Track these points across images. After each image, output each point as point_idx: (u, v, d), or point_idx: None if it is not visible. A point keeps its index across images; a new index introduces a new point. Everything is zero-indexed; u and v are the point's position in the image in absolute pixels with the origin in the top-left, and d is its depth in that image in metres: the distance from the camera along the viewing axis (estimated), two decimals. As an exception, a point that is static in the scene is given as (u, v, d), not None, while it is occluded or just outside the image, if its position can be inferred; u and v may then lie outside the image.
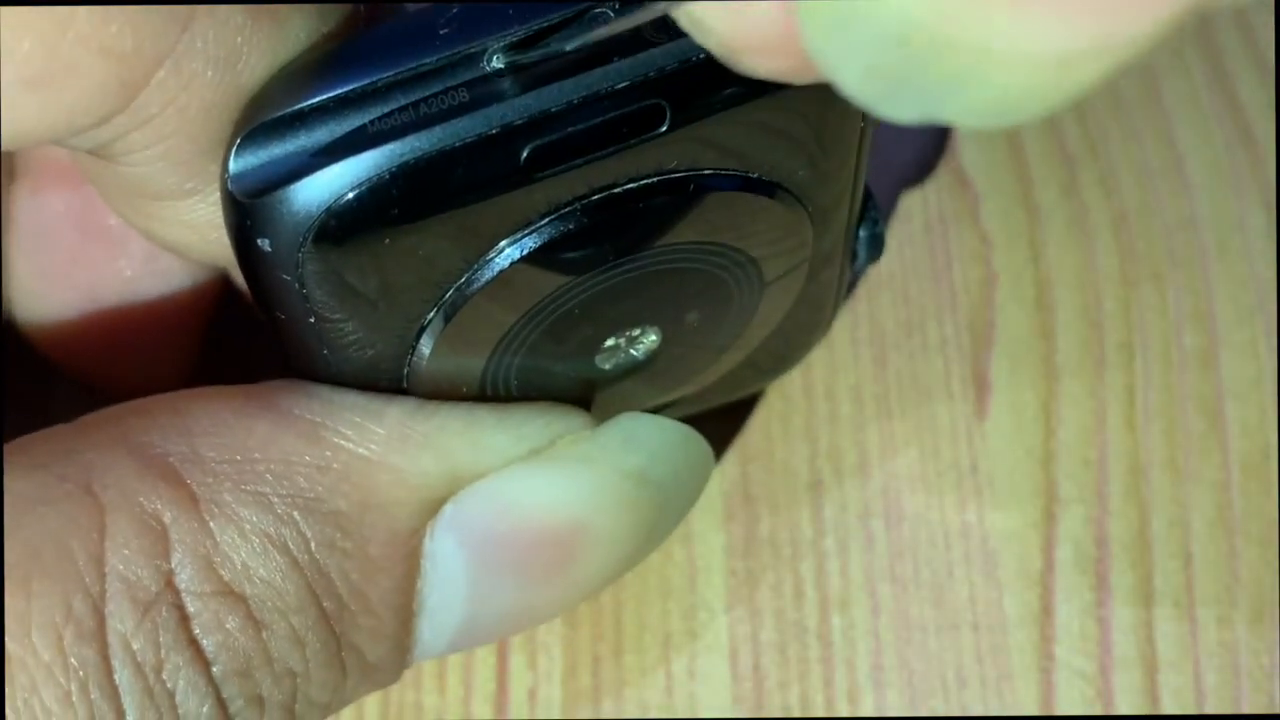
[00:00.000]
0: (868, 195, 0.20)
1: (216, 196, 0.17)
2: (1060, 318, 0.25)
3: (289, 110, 0.16)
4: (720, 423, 0.24)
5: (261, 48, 0.16)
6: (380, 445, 0.18)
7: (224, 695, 0.17)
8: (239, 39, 0.16)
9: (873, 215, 0.21)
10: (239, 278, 0.22)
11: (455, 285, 0.17)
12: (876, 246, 0.21)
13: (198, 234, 0.18)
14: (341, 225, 0.16)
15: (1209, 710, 0.22)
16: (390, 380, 0.18)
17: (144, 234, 0.19)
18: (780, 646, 0.23)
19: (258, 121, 0.16)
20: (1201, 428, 0.24)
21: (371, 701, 0.23)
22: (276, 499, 0.17)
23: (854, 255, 0.21)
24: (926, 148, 0.27)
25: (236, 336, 0.24)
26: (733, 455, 0.24)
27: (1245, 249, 0.26)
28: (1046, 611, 0.23)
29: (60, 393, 0.23)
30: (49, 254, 0.22)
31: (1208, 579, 0.23)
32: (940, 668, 0.23)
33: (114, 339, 0.22)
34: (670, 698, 0.23)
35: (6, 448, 0.17)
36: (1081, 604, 0.23)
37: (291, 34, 0.16)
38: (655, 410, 0.21)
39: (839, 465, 0.24)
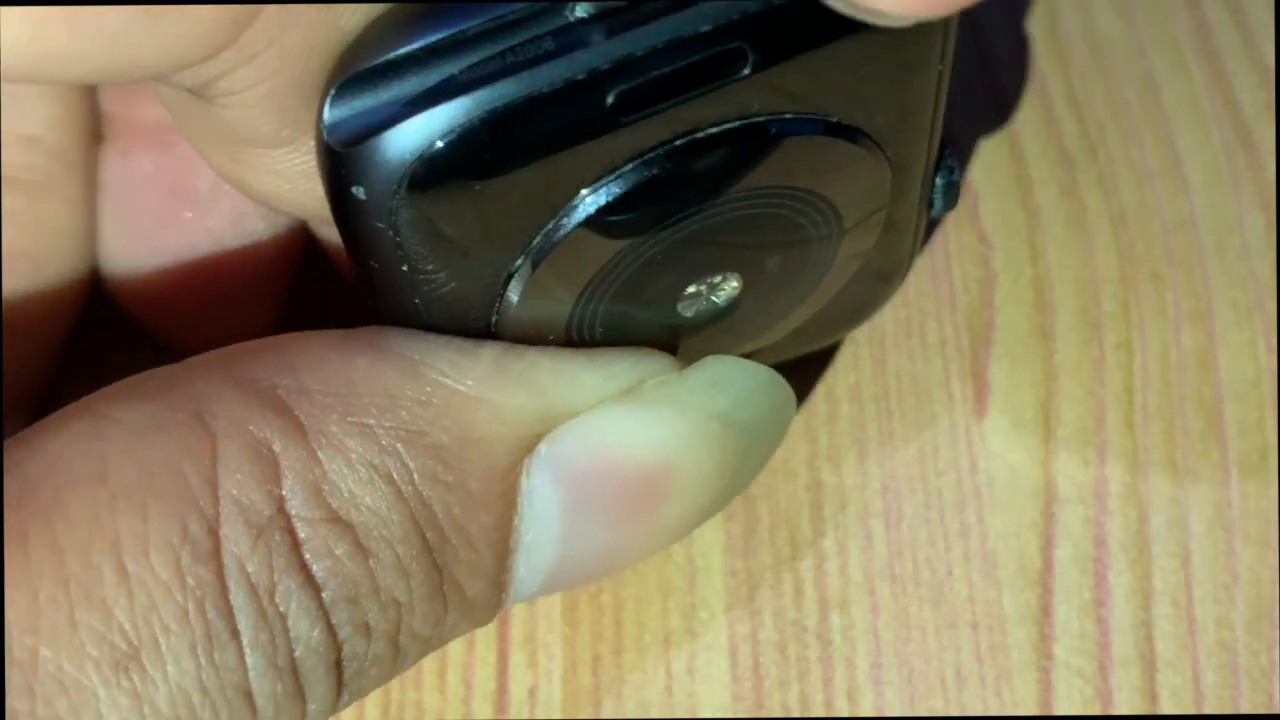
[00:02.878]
0: (944, 142, 0.21)
1: (309, 146, 0.17)
2: (1059, 318, 0.25)
3: (381, 60, 0.16)
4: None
5: None
6: (476, 381, 0.18)
7: (333, 621, 0.17)
8: None
9: (949, 163, 0.21)
10: (323, 232, 0.23)
11: (543, 232, 0.17)
12: (952, 194, 0.21)
13: (289, 184, 0.19)
14: (433, 172, 0.16)
15: (1208, 710, 0.22)
16: (480, 327, 0.18)
17: (234, 184, 0.19)
18: (780, 646, 0.23)
19: (351, 71, 0.16)
20: (1200, 428, 0.24)
21: (372, 701, 0.23)
22: (381, 430, 0.17)
23: (930, 203, 0.21)
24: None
25: (319, 296, 0.24)
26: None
27: (1244, 249, 0.26)
28: (1045, 611, 0.23)
29: (147, 359, 0.24)
30: (137, 216, 0.22)
31: (1206, 578, 0.23)
32: (939, 667, 0.23)
33: (200, 300, 0.23)
34: (670, 697, 0.23)
35: (115, 384, 0.17)
36: (1080, 603, 0.23)
37: None
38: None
39: (839, 465, 0.24)
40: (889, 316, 0.25)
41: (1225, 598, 0.23)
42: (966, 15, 0.29)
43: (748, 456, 0.20)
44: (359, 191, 0.16)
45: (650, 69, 0.16)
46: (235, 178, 0.19)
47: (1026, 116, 0.27)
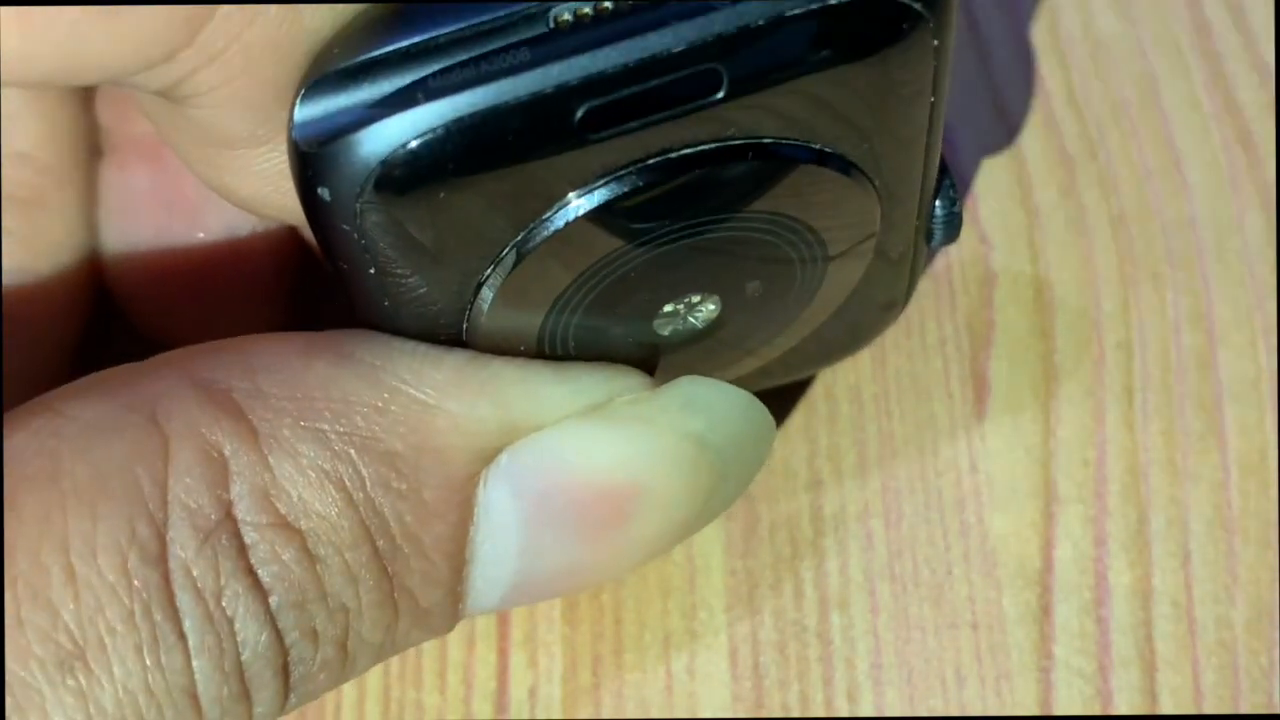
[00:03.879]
0: (944, 172, 0.20)
1: (285, 146, 0.17)
2: (1059, 318, 0.25)
3: (353, 62, 0.16)
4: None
5: None
6: (437, 390, 0.18)
7: (280, 625, 0.17)
8: None
9: (949, 194, 0.20)
10: (310, 236, 0.23)
11: (512, 242, 0.17)
12: (954, 225, 0.21)
13: (270, 185, 0.19)
14: (397, 176, 0.16)
15: (1207, 710, 0.22)
16: (450, 334, 0.18)
17: (218, 190, 0.20)
18: (780, 645, 0.23)
19: (323, 72, 0.16)
20: (1200, 427, 0.24)
21: (372, 700, 0.23)
22: (334, 436, 0.17)
23: (929, 234, 0.21)
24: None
25: (315, 299, 0.24)
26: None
27: (1243, 249, 0.26)
28: (1045, 611, 0.23)
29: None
30: (135, 228, 0.23)
31: (1206, 578, 0.23)
32: (939, 667, 0.23)
33: (201, 307, 0.23)
34: (670, 697, 0.23)
35: (75, 382, 0.18)
36: (1080, 603, 0.23)
37: None
38: None
39: (839, 465, 0.24)
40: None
41: (1225, 598, 0.23)
42: (966, 16, 0.29)
43: (723, 480, 0.20)
44: (324, 193, 0.16)
45: (620, 87, 0.16)
46: (218, 183, 0.19)
47: (1026, 116, 0.27)
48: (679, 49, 0.16)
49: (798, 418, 0.24)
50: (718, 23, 0.16)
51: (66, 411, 0.17)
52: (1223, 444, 0.24)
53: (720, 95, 0.16)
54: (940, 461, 0.24)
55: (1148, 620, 0.23)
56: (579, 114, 0.16)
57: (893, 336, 0.25)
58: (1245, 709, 0.22)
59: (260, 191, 0.19)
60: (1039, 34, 0.28)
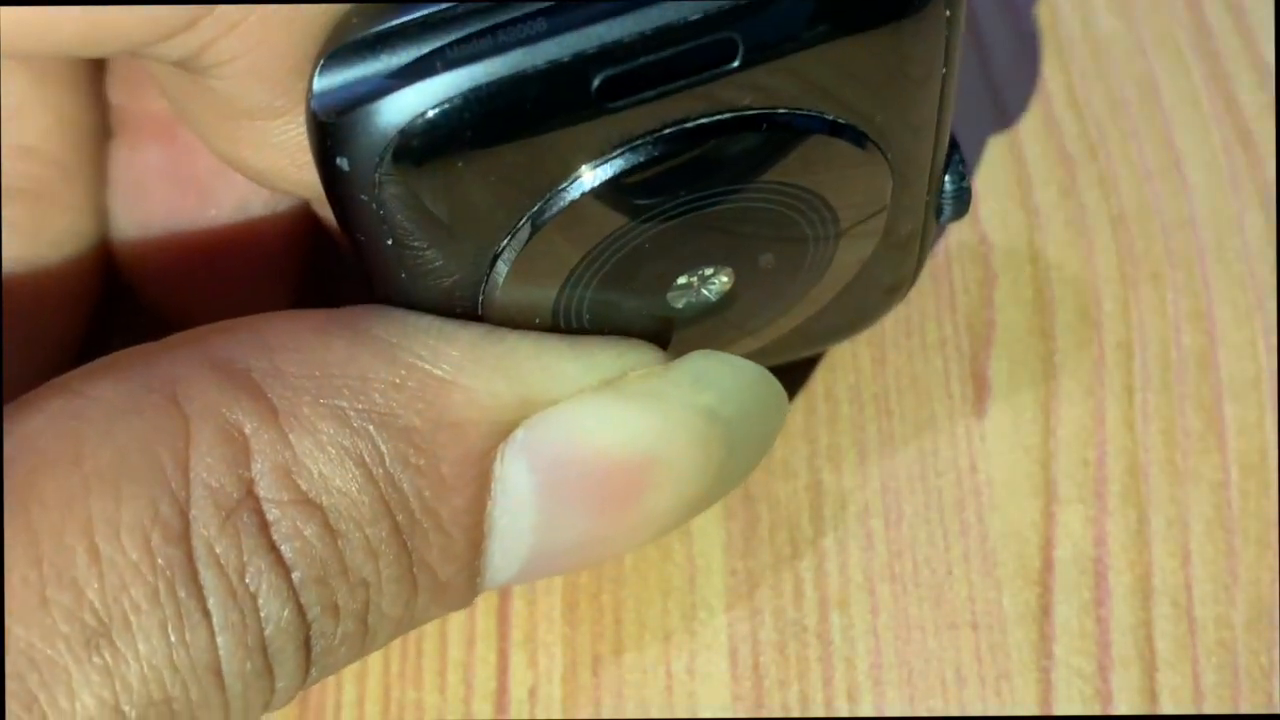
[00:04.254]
0: (954, 148, 0.20)
1: (304, 118, 0.17)
2: (1059, 318, 0.25)
3: (370, 32, 0.16)
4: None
5: None
6: (453, 365, 0.18)
7: (302, 601, 0.17)
8: None
9: (958, 169, 0.21)
10: (324, 212, 0.23)
11: (529, 213, 0.17)
12: (963, 201, 0.21)
13: (288, 158, 0.19)
14: (415, 146, 0.16)
15: (1207, 710, 0.22)
16: (466, 307, 0.18)
17: (234, 164, 0.20)
18: (779, 645, 0.23)
19: (341, 42, 0.16)
20: (1200, 427, 0.24)
21: (372, 700, 0.23)
22: (353, 413, 0.17)
23: (939, 210, 0.21)
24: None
25: (329, 277, 0.24)
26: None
27: (1243, 249, 0.26)
28: (1045, 610, 0.23)
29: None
30: (147, 206, 0.23)
31: (1206, 578, 0.23)
32: (939, 667, 0.23)
33: (214, 286, 0.23)
34: (670, 696, 0.23)
35: (95, 362, 0.18)
36: (1080, 603, 0.23)
37: None
38: None
39: (839, 465, 0.24)
40: (889, 316, 0.25)
41: (1225, 598, 0.23)
42: (968, 16, 0.29)
43: (735, 453, 0.20)
44: (343, 163, 0.16)
45: (637, 55, 0.16)
46: (234, 156, 0.19)
47: (1026, 116, 0.27)
48: (695, 17, 0.16)
49: (798, 418, 0.25)
50: None
51: (87, 392, 0.17)
52: (1223, 444, 0.24)
53: (736, 64, 0.16)
54: (940, 461, 0.24)
55: (1148, 620, 0.23)
56: (596, 83, 0.16)
57: (893, 336, 0.25)
58: (1245, 709, 0.22)
59: (277, 164, 0.19)
60: (1039, 34, 0.28)
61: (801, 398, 0.25)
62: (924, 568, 0.23)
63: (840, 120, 0.18)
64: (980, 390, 0.25)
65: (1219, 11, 0.28)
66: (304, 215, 0.23)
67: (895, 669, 0.23)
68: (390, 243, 0.17)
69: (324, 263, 0.24)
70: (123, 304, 0.24)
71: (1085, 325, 0.25)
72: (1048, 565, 0.23)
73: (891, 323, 0.25)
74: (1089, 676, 0.23)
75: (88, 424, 0.17)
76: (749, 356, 0.21)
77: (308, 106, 0.16)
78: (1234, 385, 0.25)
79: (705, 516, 0.24)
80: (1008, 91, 0.27)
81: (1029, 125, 0.27)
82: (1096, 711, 0.22)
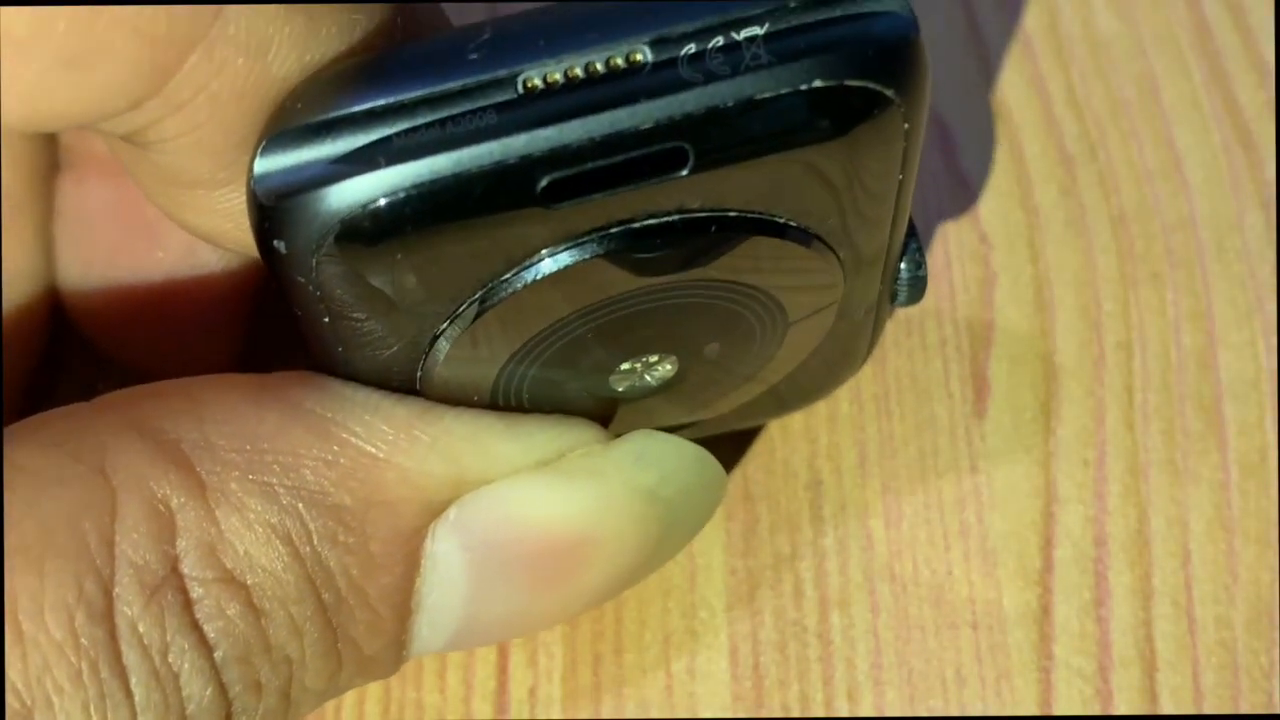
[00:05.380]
0: (911, 234, 0.20)
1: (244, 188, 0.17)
2: (1059, 318, 0.25)
3: (316, 119, 0.16)
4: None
5: (293, 38, 0.16)
6: (387, 444, 0.18)
7: (224, 679, 0.17)
8: (270, 29, 0.16)
9: (915, 257, 0.20)
10: None
11: (469, 299, 0.17)
12: (918, 288, 0.21)
13: (232, 222, 0.19)
14: (354, 237, 0.16)
15: (1207, 709, 0.22)
16: (404, 381, 0.18)
17: (179, 223, 0.19)
18: (780, 645, 0.23)
19: (285, 126, 0.16)
20: (1200, 427, 0.24)
21: (372, 700, 0.23)
22: (282, 490, 0.17)
23: (893, 295, 0.21)
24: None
25: (278, 323, 0.24)
26: (733, 455, 0.24)
27: (1243, 249, 0.26)
28: (1045, 610, 0.23)
29: (113, 381, 0.24)
30: (92, 244, 0.22)
31: (1206, 578, 0.23)
32: (939, 667, 0.23)
33: (157, 328, 0.23)
34: (670, 696, 0.23)
35: (24, 423, 0.17)
36: (1080, 603, 0.23)
37: (323, 29, 0.17)
38: (673, 430, 0.21)
39: (839, 465, 0.24)
40: (889, 317, 0.25)
41: (1225, 597, 0.23)
42: (966, 15, 0.29)
43: (672, 530, 0.20)
44: (280, 245, 0.16)
45: (585, 159, 0.16)
46: (178, 218, 0.19)
47: (1026, 116, 0.27)
48: (646, 126, 0.16)
49: (798, 417, 0.24)
50: (687, 103, 0.16)
51: (14, 460, 0.17)
52: (1223, 444, 0.24)
53: (685, 172, 0.16)
54: (940, 461, 0.24)
55: (1148, 620, 0.23)
56: (542, 183, 0.16)
57: (893, 336, 0.25)
58: (1245, 709, 0.22)
59: (221, 227, 0.19)
60: (1039, 34, 0.28)
61: (801, 397, 0.25)
62: (924, 568, 0.23)
63: (791, 223, 0.18)
64: (980, 390, 0.25)
65: (1219, 11, 0.28)
66: (252, 261, 0.23)
67: (895, 669, 0.23)
68: (327, 319, 0.17)
69: (272, 304, 0.24)
70: (69, 342, 0.23)
71: (1085, 325, 0.25)
72: (1048, 565, 0.23)
73: (891, 323, 0.25)
74: (1089, 676, 0.23)
75: (12, 494, 0.16)
76: (697, 426, 0.21)
77: (248, 186, 0.16)
78: (1234, 385, 0.25)
79: (705, 516, 0.24)
80: (1008, 91, 0.27)
81: (1029, 125, 0.27)
82: (1096, 711, 0.22)
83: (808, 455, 0.24)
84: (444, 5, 0.20)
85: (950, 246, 0.26)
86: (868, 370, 0.25)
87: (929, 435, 0.24)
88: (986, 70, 0.28)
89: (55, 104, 0.16)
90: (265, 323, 0.24)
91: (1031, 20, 0.28)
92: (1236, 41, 0.28)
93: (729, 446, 0.24)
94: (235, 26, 0.16)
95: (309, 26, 0.16)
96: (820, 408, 0.25)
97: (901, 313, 0.25)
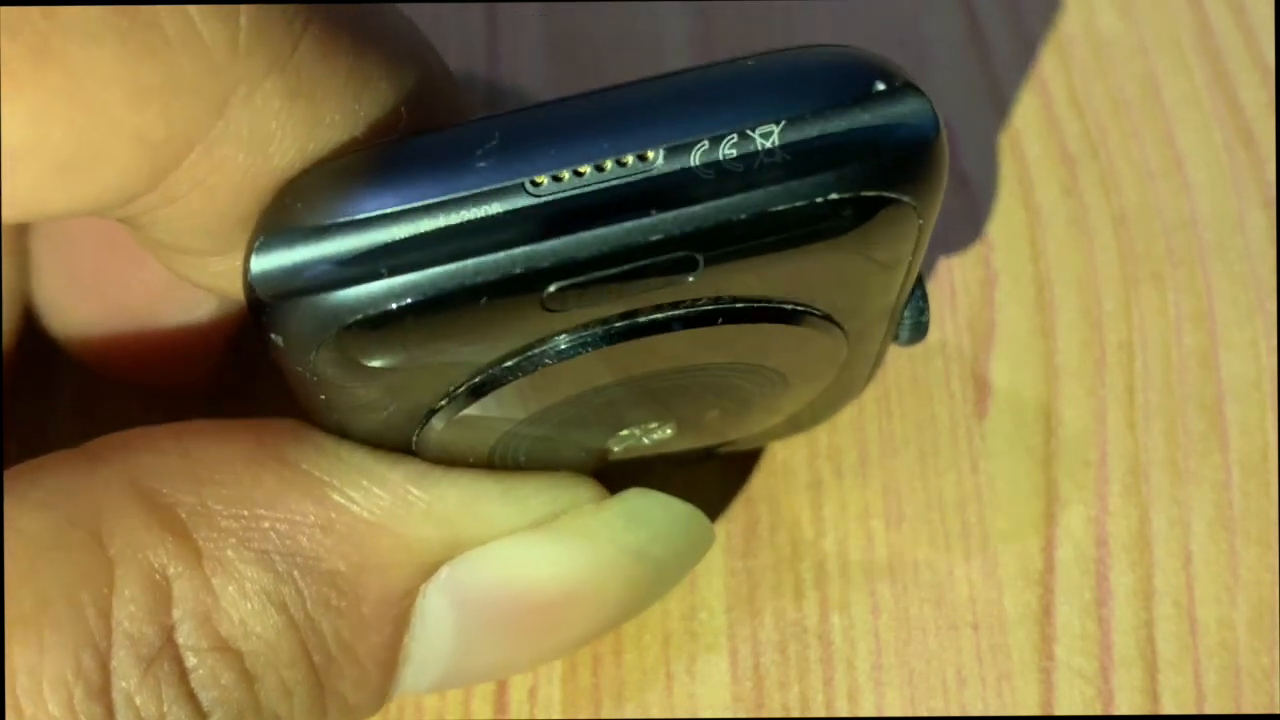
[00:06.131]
0: (917, 283, 0.20)
1: (240, 256, 0.17)
2: (1060, 318, 0.25)
3: (317, 222, 0.15)
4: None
5: (296, 131, 0.16)
6: (382, 510, 0.18)
7: None
8: (274, 124, 0.16)
9: (919, 303, 0.20)
10: None
11: (468, 383, 0.17)
12: (920, 331, 0.20)
13: (226, 281, 0.18)
14: (353, 342, 0.16)
15: (1209, 710, 0.22)
16: (399, 439, 0.18)
17: (174, 274, 0.19)
18: (780, 646, 0.23)
19: (286, 224, 0.16)
20: (1201, 428, 0.24)
21: (371, 701, 0.23)
22: (278, 557, 0.18)
23: (895, 335, 0.21)
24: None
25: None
26: (733, 455, 0.24)
27: (1245, 249, 0.26)
28: (1046, 611, 0.23)
29: (105, 393, 0.24)
30: (75, 263, 0.22)
31: (1208, 579, 0.23)
32: (940, 667, 0.23)
33: (142, 346, 0.22)
34: (670, 697, 0.23)
35: (13, 473, 0.17)
36: (1081, 604, 0.23)
37: (326, 117, 0.16)
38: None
39: (839, 465, 0.24)
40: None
41: (1227, 598, 0.23)
42: (966, 15, 0.29)
43: (657, 584, 0.21)
44: (278, 339, 0.16)
45: (593, 269, 0.15)
46: (171, 270, 0.19)
47: (1027, 116, 0.27)
48: (656, 238, 0.15)
49: (798, 418, 0.24)
50: (699, 216, 0.15)
51: (10, 521, 0.17)
52: (1224, 444, 0.24)
53: (693, 278, 0.16)
54: (941, 461, 0.24)
55: (1149, 621, 0.23)
56: (548, 291, 0.16)
57: (893, 336, 0.25)
58: (1247, 709, 0.22)
59: (214, 284, 0.19)
60: (1040, 33, 0.28)
61: (802, 398, 0.25)
62: (925, 568, 0.23)
63: (799, 308, 0.17)
64: (981, 390, 0.25)
65: (1220, 10, 0.28)
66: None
67: (896, 670, 0.23)
68: (323, 398, 0.17)
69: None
70: (45, 356, 0.23)
71: (1086, 325, 0.25)
72: (1049, 566, 0.23)
73: (892, 322, 0.25)
74: (1090, 677, 0.22)
75: (10, 561, 0.16)
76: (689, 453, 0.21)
77: (245, 279, 0.16)
78: (1235, 385, 0.25)
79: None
80: (1008, 91, 0.27)
81: (1030, 124, 0.27)
82: (1098, 712, 0.22)
83: (808, 455, 0.24)
84: (443, 7, 0.20)
85: (951, 246, 0.26)
86: (868, 370, 0.25)
87: (930, 435, 0.24)
88: (987, 69, 0.28)
89: (48, 206, 0.16)
90: (251, 335, 0.24)
91: (1033, 19, 0.28)
92: (1238, 41, 0.28)
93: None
94: (237, 125, 0.16)
95: (311, 115, 0.16)
96: (821, 408, 0.25)
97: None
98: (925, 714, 0.22)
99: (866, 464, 0.24)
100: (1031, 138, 0.27)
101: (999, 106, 0.27)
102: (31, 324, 0.23)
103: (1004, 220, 0.26)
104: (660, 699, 0.23)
